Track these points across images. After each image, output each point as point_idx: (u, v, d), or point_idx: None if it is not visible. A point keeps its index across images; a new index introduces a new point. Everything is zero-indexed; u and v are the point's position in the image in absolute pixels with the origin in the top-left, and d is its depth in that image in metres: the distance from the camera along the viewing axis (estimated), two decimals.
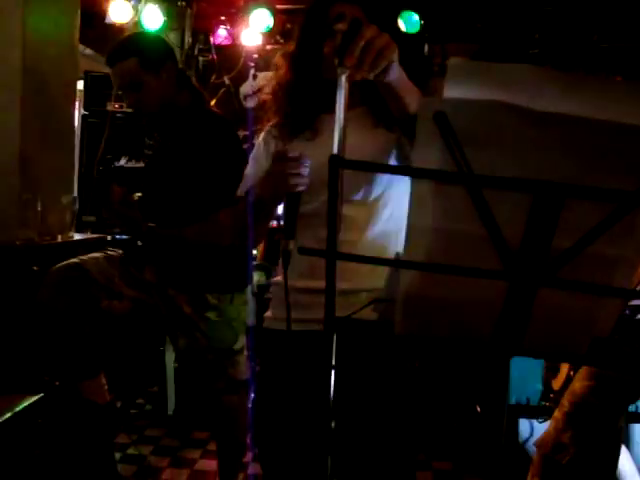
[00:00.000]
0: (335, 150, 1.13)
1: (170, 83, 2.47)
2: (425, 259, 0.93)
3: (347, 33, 1.22)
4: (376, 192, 1.57)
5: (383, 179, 1.57)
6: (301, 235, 1.62)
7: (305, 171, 1.46)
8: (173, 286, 2.44)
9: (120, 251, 2.54)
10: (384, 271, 1.56)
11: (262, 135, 1.75)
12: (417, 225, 0.92)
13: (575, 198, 0.86)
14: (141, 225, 2.35)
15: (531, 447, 2.82)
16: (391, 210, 1.60)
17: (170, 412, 3.77)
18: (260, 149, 1.73)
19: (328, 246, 0.93)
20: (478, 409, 3.53)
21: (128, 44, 2.48)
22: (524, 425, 2.96)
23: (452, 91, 0.81)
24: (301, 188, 1.46)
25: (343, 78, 1.19)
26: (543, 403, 2.79)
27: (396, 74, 1.33)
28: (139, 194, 2.46)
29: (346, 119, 1.22)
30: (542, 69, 0.82)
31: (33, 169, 2.77)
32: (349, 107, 1.56)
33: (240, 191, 1.73)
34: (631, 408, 2.72)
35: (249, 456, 3.13)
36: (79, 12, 3.18)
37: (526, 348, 0.99)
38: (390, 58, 1.28)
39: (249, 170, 1.74)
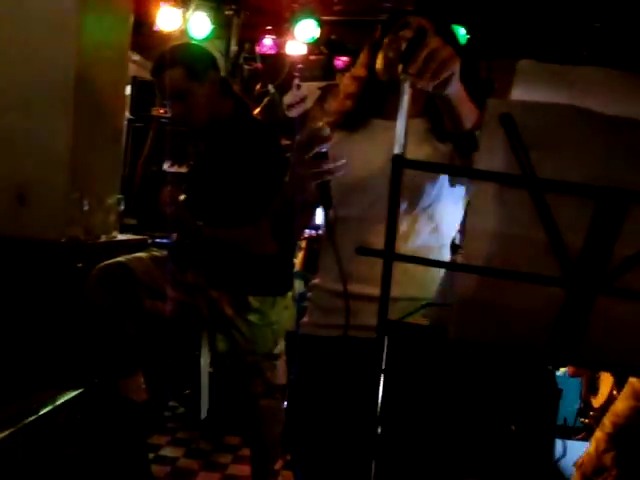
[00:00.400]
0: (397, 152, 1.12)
1: (214, 92, 2.50)
2: (483, 263, 0.93)
3: (412, 41, 1.23)
4: (423, 204, 1.56)
5: (432, 191, 1.56)
6: (341, 240, 1.63)
7: (336, 169, 1.47)
8: (216, 287, 2.46)
9: (164, 252, 2.57)
10: (424, 281, 1.56)
11: None
12: (476, 228, 0.91)
13: (638, 205, 0.85)
14: (190, 224, 2.39)
15: (566, 467, 2.78)
16: (435, 224, 1.59)
17: (203, 416, 3.78)
18: None
19: (386, 247, 0.93)
20: (513, 428, 3.48)
21: (174, 54, 2.52)
22: (557, 444, 2.92)
23: (520, 93, 0.81)
24: (329, 178, 1.48)
25: (407, 84, 1.19)
26: (580, 420, 2.75)
27: (455, 88, 1.33)
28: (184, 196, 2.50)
29: (406, 128, 1.22)
30: (610, 70, 0.82)
31: (81, 169, 2.82)
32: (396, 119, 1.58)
33: None
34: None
35: (279, 463, 3.13)
36: (131, 19, 3.24)
37: (582, 358, 0.98)
38: (452, 70, 1.28)
39: None
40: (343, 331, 1.52)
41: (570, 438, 2.87)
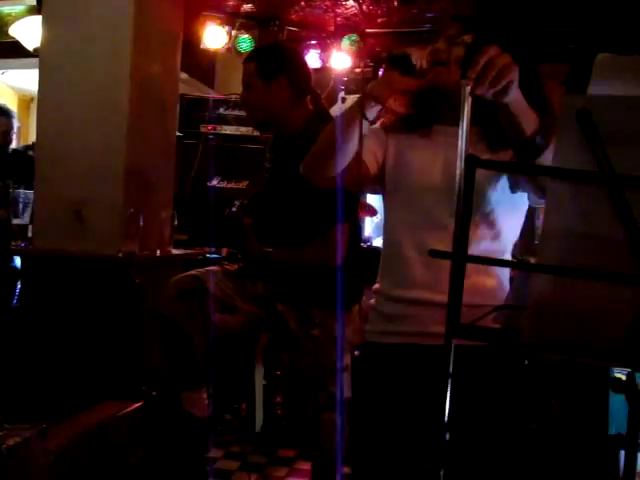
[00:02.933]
0: (459, 160, 1.12)
1: (280, 96, 2.51)
2: (559, 263, 0.91)
3: (471, 46, 1.23)
4: (485, 209, 1.55)
5: (492, 197, 1.55)
6: (400, 241, 1.62)
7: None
8: (282, 300, 2.46)
9: (236, 266, 2.57)
10: (486, 288, 1.55)
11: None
12: (552, 228, 0.90)
13: None
14: (256, 251, 2.41)
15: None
16: (498, 229, 1.58)
17: (257, 429, 3.79)
18: (372, 132, 1.71)
19: (457, 248, 0.92)
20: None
21: (257, 49, 2.63)
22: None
23: (598, 88, 0.80)
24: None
25: (467, 89, 1.19)
26: None
27: (514, 95, 1.32)
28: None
29: (469, 132, 1.21)
30: None
31: (136, 185, 2.88)
32: (454, 124, 1.58)
33: None
34: None
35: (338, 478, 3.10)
36: (181, 38, 3.31)
37: None
38: (510, 78, 1.28)
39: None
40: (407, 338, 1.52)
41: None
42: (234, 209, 2.54)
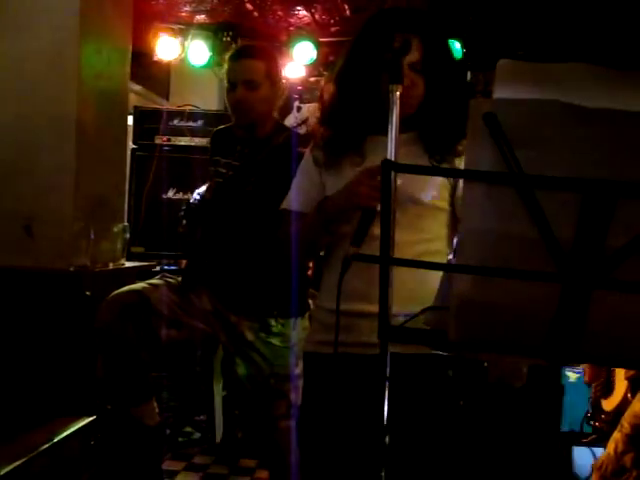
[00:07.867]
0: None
1: (276, 100, 2.54)
2: (478, 263, 0.93)
3: (398, 51, 1.25)
4: (418, 212, 1.57)
5: (427, 199, 1.56)
6: (333, 257, 1.65)
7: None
8: (235, 312, 2.46)
9: (179, 278, 2.54)
10: (420, 296, 1.57)
11: (309, 150, 1.76)
12: (469, 228, 0.92)
13: (627, 196, 0.86)
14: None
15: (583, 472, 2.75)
16: (435, 232, 1.60)
17: (218, 440, 3.77)
18: (310, 163, 1.73)
19: (382, 252, 0.94)
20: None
21: (262, 50, 2.62)
22: (580, 453, 2.89)
23: (502, 92, 0.82)
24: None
25: (395, 95, 1.21)
26: (591, 422, 2.73)
27: None
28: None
29: (398, 138, 1.23)
30: (590, 66, 0.83)
31: (87, 198, 2.86)
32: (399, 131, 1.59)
33: (285, 203, 1.74)
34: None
35: None
36: (130, 49, 3.29)
37: (584, 354, 0.98)
38: None
39: (296, 181, 1.76)
40: (337, 348, 1.55)
41: (580, 444, 2.85)
42: (181, 213, 2.52)
